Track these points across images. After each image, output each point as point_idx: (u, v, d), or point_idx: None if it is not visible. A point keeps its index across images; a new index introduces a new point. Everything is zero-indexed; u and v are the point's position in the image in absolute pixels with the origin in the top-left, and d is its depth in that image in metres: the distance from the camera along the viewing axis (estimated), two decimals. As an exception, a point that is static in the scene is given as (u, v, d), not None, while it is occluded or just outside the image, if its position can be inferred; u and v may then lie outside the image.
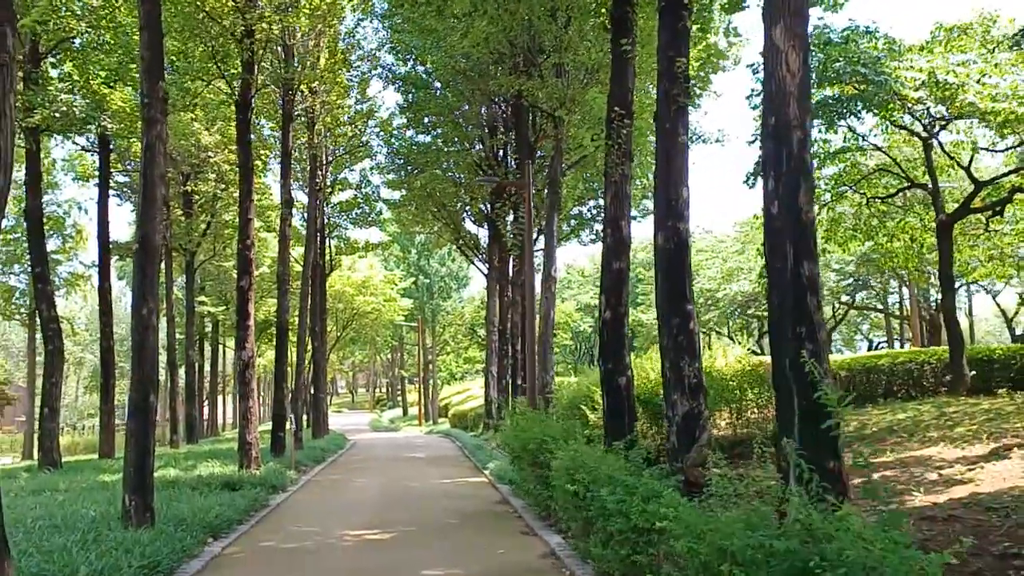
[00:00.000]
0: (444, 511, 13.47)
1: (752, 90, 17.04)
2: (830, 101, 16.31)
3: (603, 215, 15.47)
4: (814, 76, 16.50)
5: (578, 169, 24.63)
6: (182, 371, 41.67)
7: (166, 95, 10.60)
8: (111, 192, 34.49)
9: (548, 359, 22.12)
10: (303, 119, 26.16)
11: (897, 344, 49.54)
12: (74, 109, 19.39)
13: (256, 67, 18.31)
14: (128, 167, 29.46)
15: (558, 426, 11.80)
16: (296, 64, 19.48)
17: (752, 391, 16.14)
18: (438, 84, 30.65)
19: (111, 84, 22.68)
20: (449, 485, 17.33)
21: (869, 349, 57.27)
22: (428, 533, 11.29)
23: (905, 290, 40.36)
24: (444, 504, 14.27)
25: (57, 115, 19.29)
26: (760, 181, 11.60)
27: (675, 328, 11.61)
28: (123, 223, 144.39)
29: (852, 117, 16.63)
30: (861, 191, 19.28)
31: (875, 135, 18.22)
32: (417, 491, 16.22)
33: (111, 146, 25.37)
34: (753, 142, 17.24)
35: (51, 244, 37.93)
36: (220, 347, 53.14)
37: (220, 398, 58.13)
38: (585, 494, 7.55)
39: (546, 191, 24.96)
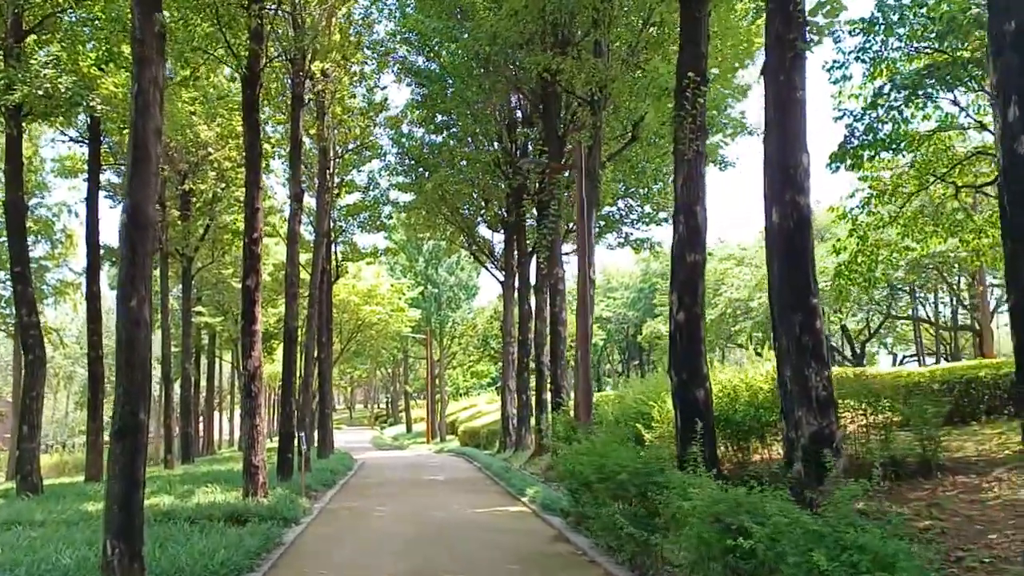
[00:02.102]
0: (494, 552, 11.13)
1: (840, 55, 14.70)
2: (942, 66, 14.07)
3: (674, 199, 13.22)
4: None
5: (616, 162, 22.36)
6: (177, 386, 39.43)
7: (163, 29, 8.34)
8: (103, 193, 32.29)
9: (586, 371, 19.83)
10: (313, 108, 23.99)
11: (931, 359, 47.27)
12: (59, 86, 17.11)
13: (265, 39, 16.12)
14: (121, 164, 27.08)
15: (657, 451, 9.49)
16: (307, 32, 17.25)
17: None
18: (452, 80, 28.46)
19: (102, 67, 20.51)
20: (487, 516, 14.97)
21: (893, 364, 54.98)
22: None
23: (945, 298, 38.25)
24: (490, 542, 11.93)
25: (40, 92, 17.01)
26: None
27: (797, 326, 9.37)
28: (115, 226, 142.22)
29: (962, 87, 14.40)
30: (951, 180, 17.03)
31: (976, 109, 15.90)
32: (452, 524, 13.86)
33: (102, 137, 23.10)
34: (840, 118, 15.02)
35: (39, 250, 35.69)
36: (217, 360, 50.74)
37: (217, 414, 55.60)
38: (763, 552, 5.24)
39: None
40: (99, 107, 18.68)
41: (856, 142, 15.18)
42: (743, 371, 16.75)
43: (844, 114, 14.95)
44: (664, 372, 26.20)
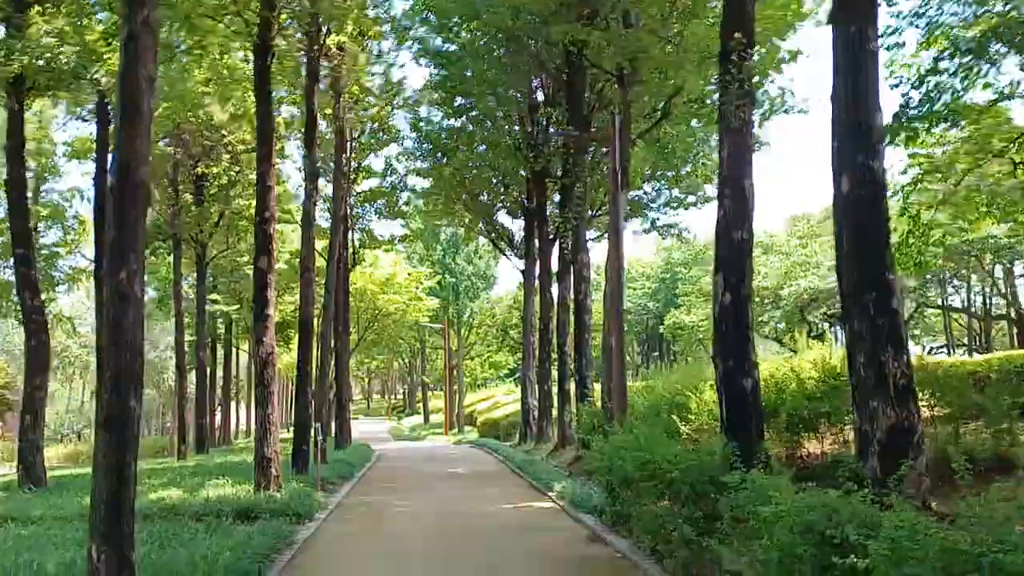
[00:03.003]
0: (525, 556, 10.16)
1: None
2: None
3: (719, 171, 12.18)
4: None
5: (645, 143, 21.23)
6: (192, 376, 38.75)
7: (156, -35, 7.37)
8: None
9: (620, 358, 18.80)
10: (328, 87, 23.03)
11: (960, 351, 45.77)
12: (60, 56, 16.22)
13: (276, 5, 15.17)
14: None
15: (712, 447, 8.47)
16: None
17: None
18: (472, 61, 27.36)
19: (110, 41, 19.64)
20: (513, 513, 14.00)
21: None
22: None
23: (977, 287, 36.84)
24: (519, 544, 10.96)
25: (41, 63, 16.14)
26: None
27: (871, 306, 8.28)
28: None
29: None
30: (1008, 156, 15.80)
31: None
32: (477, 523, 12.89)
33: (110, 115, 22.23)
34: (897, 85, 13.79)
35: (51, 236, 34.97)
36: (234, 350, 50.04)
37: (233, 404, 54.98)
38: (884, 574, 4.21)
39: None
40: (104, 80, 17.76)
41: (912, 112, 14.00)
42: (788, 359, 15.68)
43: (900, 81, 13.73)
44: (694, 362, 25.09)
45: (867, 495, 5.19)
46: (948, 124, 14.63)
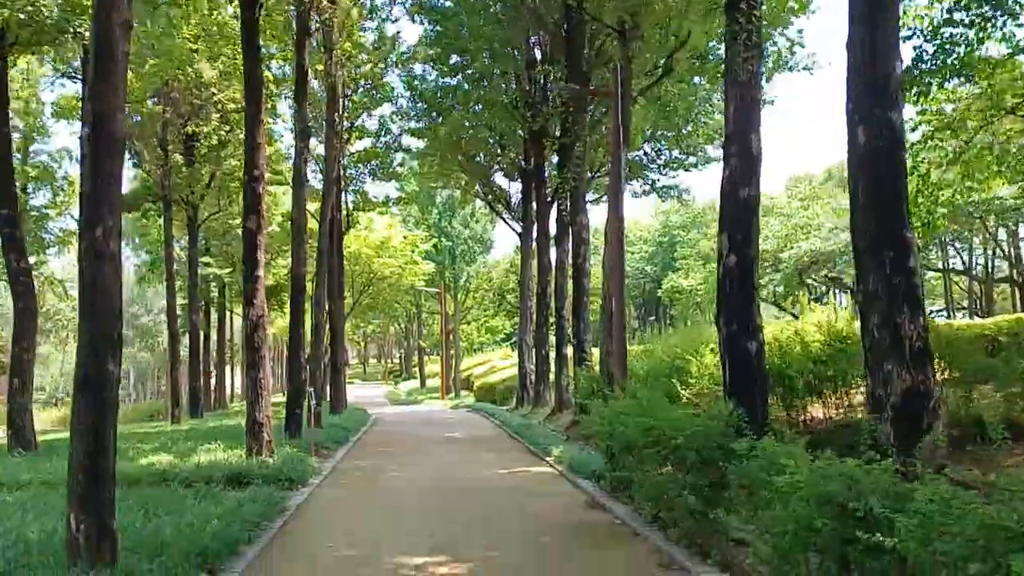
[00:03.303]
0: (523, 521, 9.92)
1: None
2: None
3: (725, 127, 11.73)
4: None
5: (645, 101, 20.66)
6: (186, 340, 38.42)
7: None
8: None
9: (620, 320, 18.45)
10: (320, 41, 22.38)
11: (960, 315, 45.56)
12: (42, 9, 15.58)
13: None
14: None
15: (716, 411, 8.15)
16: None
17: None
18: (468, 17, 26.59)
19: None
20: (510, 478, 13.76)
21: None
22: (523, 562, 7.73)
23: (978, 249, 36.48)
24: (517, 508, 10.72)
25: (23, 16, 15.51)
26: None
27: (887, 265, 7.93)
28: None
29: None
30: (1021, 113, 15.35)
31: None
32: (474, 487, 12.65)
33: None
34: (909, 37, 13.28)
35: (41, 198, 34.47)
36: (228, 313, 49.68)
37: (228, 368, 54.77)
38: (915, 552, 3.88)
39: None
40: (87, 34, 17.12)
41: (924, 67, 13.52)
42: (790, 323, 15.37)
43: (913, 33, 13.22)
44: (692, 325, 24.81)
45: (890, 465, 4.86)
46: (961, 79, 14.24)
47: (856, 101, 8.29)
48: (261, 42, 23.62)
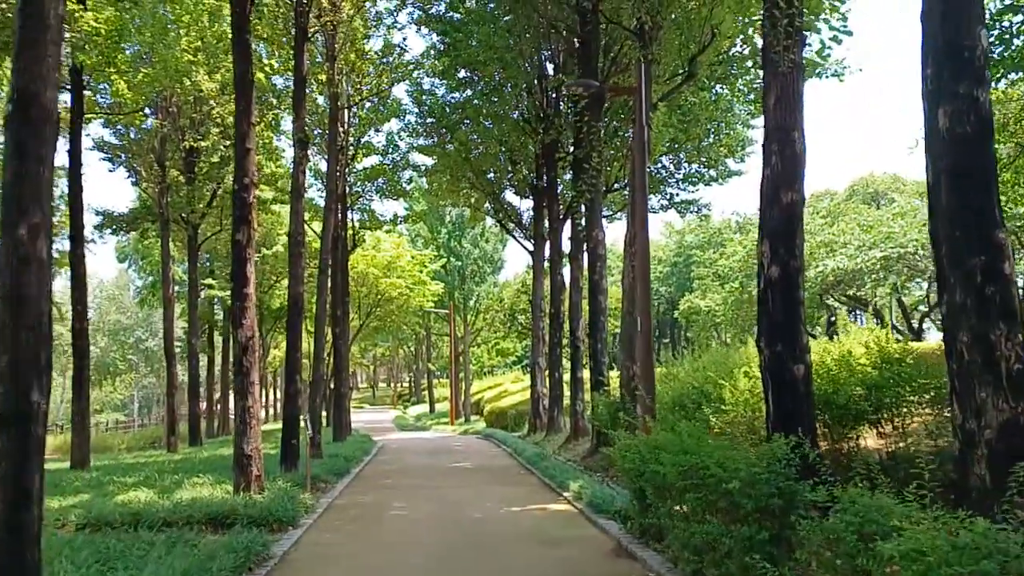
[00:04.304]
0: (541, 571, 8.54)
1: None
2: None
3: (765, 123, 10.47)
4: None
5: (669, 108, 19.40)
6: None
7: None
8: (100, 155, 29.99)
9: (635, 344, 17.09)
10: (322, 48, 21.34)
11: None
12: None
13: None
14: (108, 113, 24.36)
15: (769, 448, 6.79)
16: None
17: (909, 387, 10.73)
18: (477, 28, 25.54)
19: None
20: (525, 518, 12.35)
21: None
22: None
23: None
24: (534, 558, 9.32)
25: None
26: None
27: (977, 272, 6.57)
28: (114, 191, 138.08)
29: None
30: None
31: None
32: (484, 529, 11.27)
33: (86, 80, 20.51)
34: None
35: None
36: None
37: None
38: None
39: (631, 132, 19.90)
40: (73, 37, 16.10)
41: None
42: (829, 344, 14.01)
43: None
44: (719, 347, 23.38)
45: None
46: (1020, 74, 12.95)
47: (935, 78, 7.00)
48: (263, 48, 22.71)
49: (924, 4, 7.30)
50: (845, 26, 11.73)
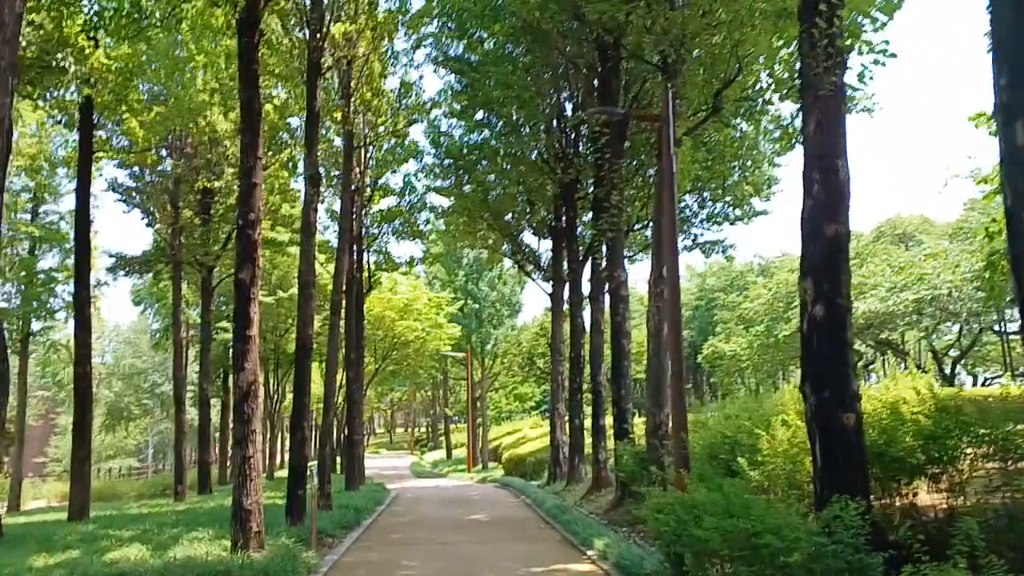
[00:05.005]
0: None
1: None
2: None
3: (805, 150, 9.72)
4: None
5: (693, 144, 18.73)
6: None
7: None
8: (115, 196, 29.69)
9: (663, 389, 16.16)
10: (336, 86, 20.93)
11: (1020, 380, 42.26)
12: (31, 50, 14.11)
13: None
14: (122, 153, 23.93)
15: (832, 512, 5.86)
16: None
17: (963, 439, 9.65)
18: (494, 69, 25.18)
19: (92, 35, 17.71)
20: (546, 579, 11.34)
21: (973, 385, 49.66)
22: None
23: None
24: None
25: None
26: None
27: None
28: (133, 234, 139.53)
29: None
30: None
31: None
32: (501, 593, 10.28)
33: (96, 117, 20.11)
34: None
35: (50, 260, 33.16)
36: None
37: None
38: None
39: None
40: (82, 70, 15.68)
41: None
42: (883, 388, 13.02)
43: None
44: (749, 393, 22.26)
45: None
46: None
47: (1012, 88, 6.18)
48: (280, 88, 22.30)
49: (991, 8, 6.53)
50: (887, 50, 10.99)
